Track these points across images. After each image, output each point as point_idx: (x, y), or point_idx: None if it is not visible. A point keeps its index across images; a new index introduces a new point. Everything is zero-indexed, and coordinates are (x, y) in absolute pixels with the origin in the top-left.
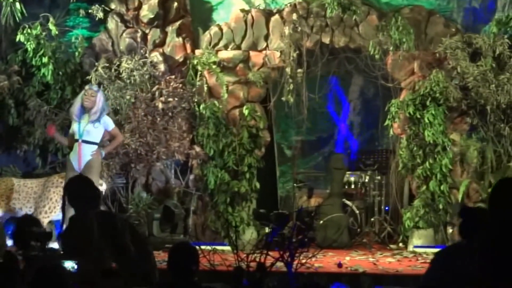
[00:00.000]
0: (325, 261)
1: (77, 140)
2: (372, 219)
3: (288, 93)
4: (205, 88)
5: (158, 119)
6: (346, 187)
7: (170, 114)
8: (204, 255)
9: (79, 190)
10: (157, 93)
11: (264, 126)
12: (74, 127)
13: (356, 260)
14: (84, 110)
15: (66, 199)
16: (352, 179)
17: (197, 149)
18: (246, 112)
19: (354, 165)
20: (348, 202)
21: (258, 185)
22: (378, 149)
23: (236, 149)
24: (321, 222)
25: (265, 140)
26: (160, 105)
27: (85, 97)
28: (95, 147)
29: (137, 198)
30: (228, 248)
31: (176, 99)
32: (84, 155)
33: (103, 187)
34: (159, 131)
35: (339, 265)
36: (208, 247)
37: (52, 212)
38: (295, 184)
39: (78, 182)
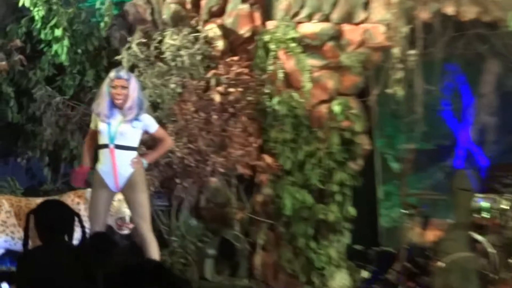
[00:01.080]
0: None
1: (106, 146)
2: None
3: (396, 83)
4: (280, 75)
5: (215, 117)
6: (476, 215)
7: (231, 110)
8: None
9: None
10: (213, 80)
11: (362, 129)
12: (101, 126)
13: None
14: (114, 106)
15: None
16: (484, 204)
17: (268, 159)
18: (337, 108)
19: (487, 185)
20: (478, 237)
21: (352, 211)
22: None
23: (322, 160)
24: (441, 264)
25: (363, 149)
26: (218, 98)
27: (113, 92)
28: (134, 153)
29: (183, 227)
30: None
31: (239, 89)
32: (120, 166)
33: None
34: (215, 134)
35: None
36: None
37: None
38: (404, 211)
39: (51, 206)
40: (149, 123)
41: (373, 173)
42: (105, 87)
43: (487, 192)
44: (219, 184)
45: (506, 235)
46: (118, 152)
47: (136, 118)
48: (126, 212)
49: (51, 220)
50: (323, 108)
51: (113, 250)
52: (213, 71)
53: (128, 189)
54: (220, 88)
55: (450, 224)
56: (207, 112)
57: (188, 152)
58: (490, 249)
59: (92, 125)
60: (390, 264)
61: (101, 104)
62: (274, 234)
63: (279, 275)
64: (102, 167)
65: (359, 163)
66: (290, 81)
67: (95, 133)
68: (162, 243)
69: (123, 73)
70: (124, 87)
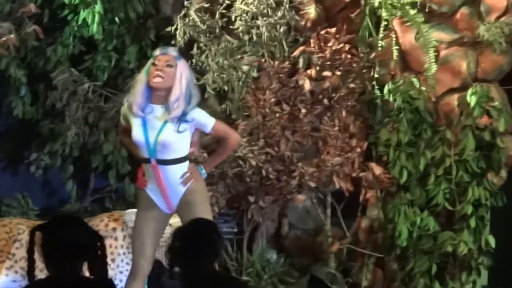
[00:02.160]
0: None
1: (147, 161)
2: None
3: None
4: (395, 54)
5: (303, 111)
6: None
7: (325, 101)
8: None
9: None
10: (301, 60)
11: (508, 129)
12: (137, 132)
13: None
14: (152, 96)
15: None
16: None
17: (377, 170)
18: (472, 100)
19: None
20: None
21: (492, 241)
22: None
23: (452, 171)
24: None
25: (508, 155)
26: (308, 85)
27: (154, 69)
28: (186, 164)
29: (258, 262)
30: None
31: (338, 73)
32: (170, 185)
33: None
34: (303, 135)
35: None
36: None
37: None
38: None
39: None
40: (203, 119)
41: None
42: (145, 69)
43: None
44: (309, 203)
45: None
46: (162, 168)
47: (183, 118)
48: None
49: (63, 243)
50: (454, 100)
51: None
52: (301, 48)
53: (184, 209)
54: (312, 72)
55: None
56: (293, 104)
57: (266, 159)
58: None
59: (122, 120)
60: None
61: (136, 90)
62: (384, 272)
63: None
64: (148, 183)
65: (503, 175)
66: (408, 62)
67: (128, 130)
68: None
69: (172, 49)
70: (169, 65)
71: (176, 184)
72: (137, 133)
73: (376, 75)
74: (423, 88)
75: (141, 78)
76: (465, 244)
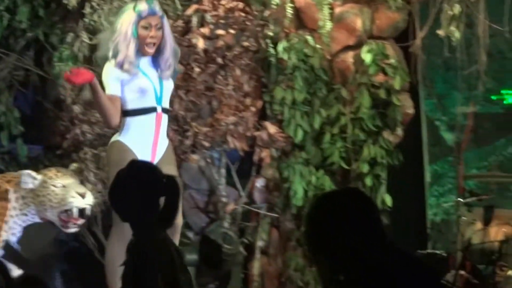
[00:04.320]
0: None
1: (151, 110)
2: None
3: (450, 21)
4: (289, 11)
5: (197, 69)
6: None
7: (219, 60)
8: None
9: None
10: (195, 19)
11: (403, 86)
12: (142, 81)
13: None
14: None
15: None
16: None
17: (272, 129)
18: (367, 57)
19: None
20: None
21: (389, 200)
22: None
23: (347, 129)
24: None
25: (404, 113)
26: (201, 44)
27: (145, 35)
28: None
29: None
30: None
31: (232, 31)
32: (162, 136)
33: (87, 200)
34: (197, 94)
35: None
36: None
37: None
38: (460, 199)
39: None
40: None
41: (418, 148)
42: (129, 27)
43: None
44: (203, 163)
45: None
46: (164, 117)
47: (173, 74)
48: (74, 202)
49: None
50: (349, 57)
51: None
52: (194, 6)
53: (161, 162)
54: (205, 30)
55: None
56: (186, 63)
57: None
58: None
59: (111, 89)
60: (440, 273)
61: (128, 50)
62: (279, 232)
63: None
64: (134, 139)
65: (399, 133)
66: (302, 20)
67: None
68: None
69: (156, 5)
70: (159, 28)
71: (164, 136)
72: (142, 82)
73: (270, 33)
74: (318, 46)
75: (128, 37)
76: None
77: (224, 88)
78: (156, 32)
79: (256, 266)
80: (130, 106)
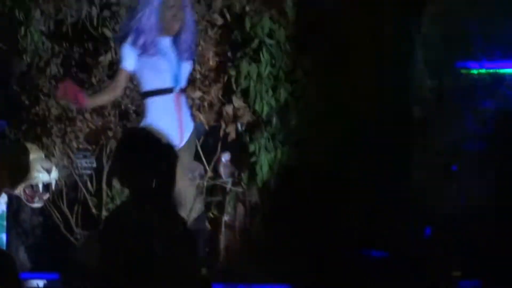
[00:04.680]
0: None
1: (168, 91)
2: None
3: None
4: None
5: None
6: None
7: None
8: None
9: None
10: None
11: None
12: (160, 61)
13: None
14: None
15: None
16: None
17: (237, 103)
18: None
19: None
20: None
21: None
22: None
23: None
24: None
25: None
26: None
27: (170, 15)
28: None
29: (118, 197)
30: None
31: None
32: (185, 115)
33: (52, 175)
34: None
35: None
36: None
37: None
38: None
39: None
40: None
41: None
42: (151, 5)
43: None
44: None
45: None
46: (183, 97)
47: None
48: (40, 177)
49: None
50: None
51: None
52: None
53: (186, 150)
54: None
55: None
56: None
57: (124, 94)
58: None
59: (123, 64)
60: None
61: (148, 28)
62: (245, 207)
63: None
64: (158, 121)
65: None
66: None
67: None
68: (89, 219)
69: None
70: (180, 8)
71: (188, 119)
72: (160, 62)
73: (235, 8)
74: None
75: (148, 16)
76: None
77: None
78: (178, 11)
79: (221, 241)
80: (148, 86)
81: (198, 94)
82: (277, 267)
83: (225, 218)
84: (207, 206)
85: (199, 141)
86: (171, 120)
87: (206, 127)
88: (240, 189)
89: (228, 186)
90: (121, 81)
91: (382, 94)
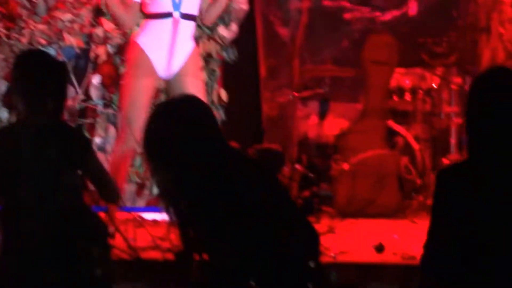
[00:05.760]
0: (352, 240)
1: (166, 15)
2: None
3: None
4: None
5: None
6: (394, 98)
7: None
8: None
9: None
10: None
11: None
12: None
13: (412, 238)
14: None
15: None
16: (406, 83)
17: (107, 25)
18: None
19: (409, 56)
20: (398, 128)
21: (224, 95)
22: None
23: None
24: (346, 166)
25: (239, 9)
26: None
27: None
28: (193, 26)
29: None
30: None
31: None
32: (182, 47)
33: None
34: None
35: (379, 248)
36: None
37: None
38: (295, 94)
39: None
40: None
41: (253, 43)
42: None
43: (411, 66)
44: None
45: (436, 126)
46: (183, 24)
47: None
48: None
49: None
50: None
51: None
52: None
53: (186, 76)
54: None
55: (359, 111)
56: None
57: None
58: (415, 144)
59: None
60: (276, 168)
61: None
62: (116, 129)
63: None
64: (150, 42)
65: (233, 29)
66: None
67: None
68: None
69: None
70: None
71: (185, 44)
72: None
73: None
74: None
75: None
76: None
77: None
78: None
79: None
80: (149, 9)
81: (68, 16)
82: None
83: (97, 140)
84: (78, 128)
85: (69, 62)
86: (162, 43)
87: (77, 50)
88: (111, 111)
89: (99, 108)
90: (132, 12)
91: None
